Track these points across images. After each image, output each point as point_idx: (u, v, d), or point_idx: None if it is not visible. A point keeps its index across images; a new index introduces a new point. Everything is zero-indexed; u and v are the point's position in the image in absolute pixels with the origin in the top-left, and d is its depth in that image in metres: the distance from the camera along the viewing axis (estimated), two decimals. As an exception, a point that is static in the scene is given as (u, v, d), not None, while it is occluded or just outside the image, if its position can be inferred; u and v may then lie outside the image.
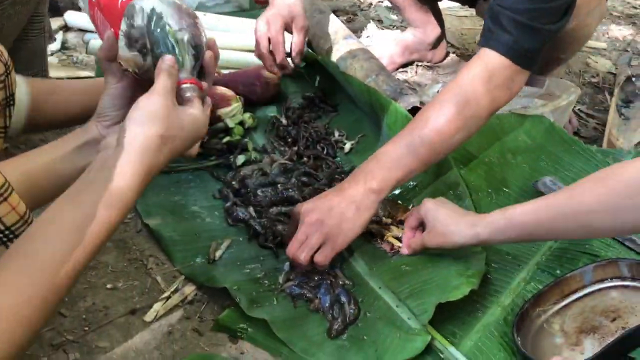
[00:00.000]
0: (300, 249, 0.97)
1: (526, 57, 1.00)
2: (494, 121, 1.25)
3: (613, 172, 0.81)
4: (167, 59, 0.71)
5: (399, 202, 1.16)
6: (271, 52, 1.31)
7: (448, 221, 0.95)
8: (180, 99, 0.71)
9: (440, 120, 0.99)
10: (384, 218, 1.10)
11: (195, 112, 0.70)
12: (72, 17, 1.64)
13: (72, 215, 0.61)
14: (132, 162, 0.63)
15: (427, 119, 1.01)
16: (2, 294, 0.56)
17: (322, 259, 0.97)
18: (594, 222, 0.81)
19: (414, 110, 1.26)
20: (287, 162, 1.27)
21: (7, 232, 0.63)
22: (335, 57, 1.53)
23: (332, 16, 1.66)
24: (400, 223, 1.11)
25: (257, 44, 1.32)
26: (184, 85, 0.71)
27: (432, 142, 1.00)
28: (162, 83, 0.69)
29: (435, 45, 1.75)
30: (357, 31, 1.88)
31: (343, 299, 0.96)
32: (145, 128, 0.65)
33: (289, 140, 1.34)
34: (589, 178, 0.84)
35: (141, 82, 0.75)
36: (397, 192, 1.19)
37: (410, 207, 1.14)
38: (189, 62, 0.73)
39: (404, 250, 1.04)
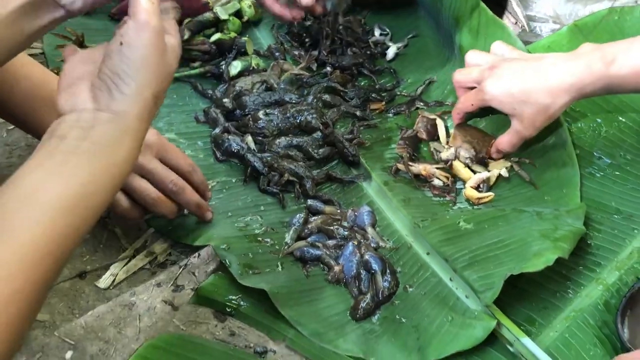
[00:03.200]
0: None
1: None
2: (610, 17, 1.23)
3: None
4: None
5: (480, 129, 1.16)
6: None
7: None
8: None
9: None
10: (453, 159, 1.12)
11: (174, 43, 0.75)
12: None
13: (59, 191, 0.66)
14: (130, 134, 0.70)
15: None
16: None
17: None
18: None
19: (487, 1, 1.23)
20: (302, 72, 1.28)
21: None
22: None
23: None
24: (482, 164, 1.12)
25: None
26: None
27: None
28: (150, 9, 0.71)
29: None
30: None
31: (375, 266, 0.99)
32: (141, 88, 0.70)
33: (307, 41, 1.34)
34: None
35: None
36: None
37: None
38: None
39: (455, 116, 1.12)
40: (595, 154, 1.14)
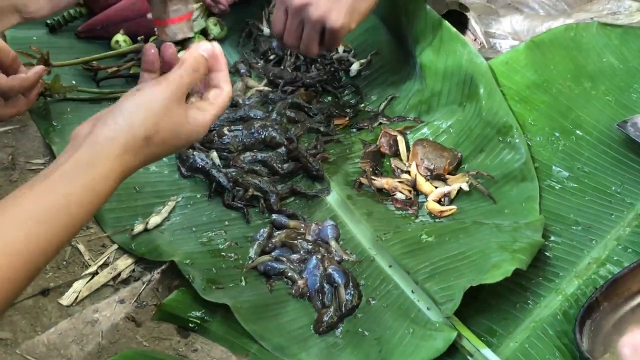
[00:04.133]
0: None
1: None
2: (567, 33, 1.25)
3: None
4: (205, 48, 0.79)
5: (439, 143, 1.17)
6: None
7: None
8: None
9: None
10: (416, 172, 1.12)
11: (201, 121, 0.79)
12: None
13: (35, 204, 0.69)
14: (109, 159, 0.73)
15: None
16: None
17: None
18: None
19: (451, 16, 1.25)
20: (267, 88, 1.28)
21: None
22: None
23: None
24: (440, 179, 1.13)
25: None
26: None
27: None
28: (179, 75, 0.77)
29: None
30: None
31: (338, 280, 0.99)
32: (135, 123, 0.74)
33: (272, 57, 1.34)
34: None
35: None
36: (424, 130, 1.20)
37: (457, 153, 1.16)
38: None
39: None
40: (553, 167, 1.15)
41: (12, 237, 0.67)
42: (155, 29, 1.05)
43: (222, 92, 0.82)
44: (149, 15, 1.09)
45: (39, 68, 0.97)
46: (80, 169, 0.71)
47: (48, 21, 1.39)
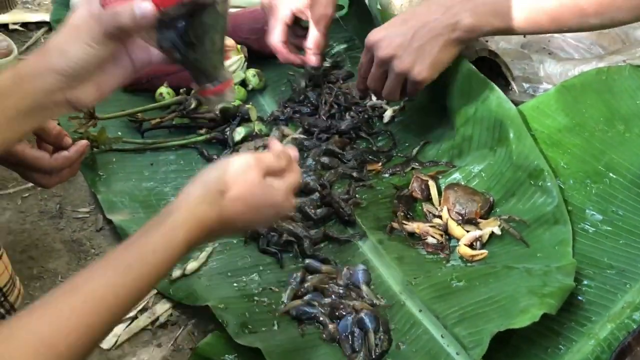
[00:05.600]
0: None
1: None
2: (598, 77, 1.24)
3: None
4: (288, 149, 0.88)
5: (471, 187, 1.18)
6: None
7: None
8: None
9: None
10: (448, 216, 1.13)
11: (275, 185, 0.84)
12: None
13: (116, 256, 0.73)
14: (183, 214, 0.76)
15: None
16: None
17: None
18: None
19: (479, 66, 1.26)
20: (302, 136, 1.31)
21: None
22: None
23: None
24: (472, 223, 1.13)
25: (273, 30, 1.32)
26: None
27: (576, 3, 1.09)
28: (263, 154, 0.84)
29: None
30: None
31: (368, 324, 1.00)
32: (210, 179, 0.80)
33: (308, 106, 1.37)
34: None
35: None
36: (456, 175, 1.21)
37: (488, 197, 1.16)
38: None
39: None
40: (587, 210, 1.13)
41: (92, 286, 0.70)
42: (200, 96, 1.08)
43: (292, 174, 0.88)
44: (192, 85, 1.14)
45: (81, 146, 1.02)
46: (159, 220, 0.76)
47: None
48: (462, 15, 1.14)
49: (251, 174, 0.82)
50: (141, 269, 0.72)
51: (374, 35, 1.19)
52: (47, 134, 0.99)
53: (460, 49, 1.18)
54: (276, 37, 1.32)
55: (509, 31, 1.16)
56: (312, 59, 1.33)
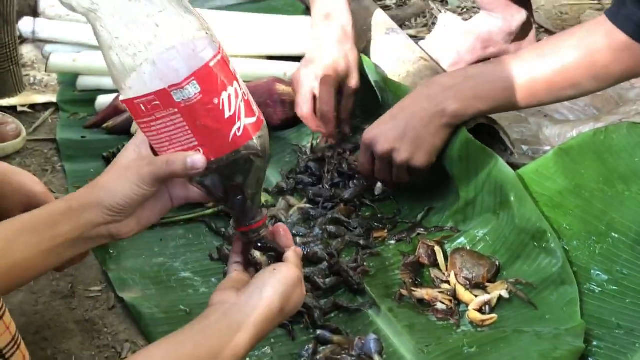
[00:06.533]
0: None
1: None
2: (596, 138, 1.26)
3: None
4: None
5: (477, 252, 1.19)
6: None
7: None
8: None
9: (564, 59, 1.18)
10: (455, 281, 1.14)
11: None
12: (28, 26, 1.73)
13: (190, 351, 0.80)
14: (246, 325, 0.82)
15: (544, 55, 1.20)
16: None
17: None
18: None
19: (478, 130, 1.29)
20: (308, 206, 1.33)
21: None
22: (373, 59, 1.59)
23: (370, 1, 1.74)
24: (480, 288, 1.14)
25: (301, 102, 1.42)
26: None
27: (548, 80, 1.18)
28: (298, 264, 0.90)
29: (520, 34, 1.78)
30: (408, 20, 1.95)
31: (382, 395, 0.99)
32: (275, 297, 0.84)
33: (313, 177, 1.40)
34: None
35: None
36: (461, 240, 1.22)
37: (494, 261, 1.17)
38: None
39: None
40: (592, 270, 1.14)
41: None
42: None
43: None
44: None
45: None
46: (231, 330, 0.81)
47: (104, 154, 1.48)
48: (446, 103, 1.21)
49: (301, 288, 0.89)
50: None
51: (369, 133, 1.25)
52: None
53: (451, 132, 1.25)
54: (305, 108, 1.39)
55: (494, 111, 1.25)
56: (346, 128, 1.43)
